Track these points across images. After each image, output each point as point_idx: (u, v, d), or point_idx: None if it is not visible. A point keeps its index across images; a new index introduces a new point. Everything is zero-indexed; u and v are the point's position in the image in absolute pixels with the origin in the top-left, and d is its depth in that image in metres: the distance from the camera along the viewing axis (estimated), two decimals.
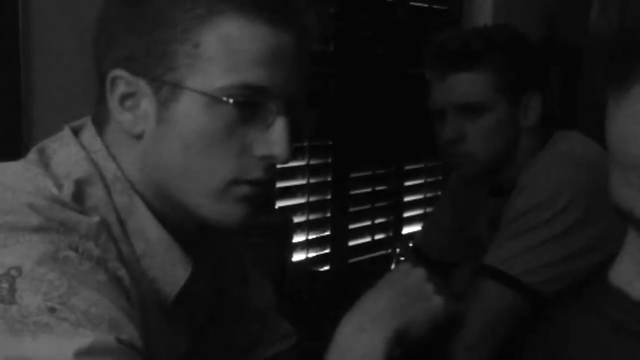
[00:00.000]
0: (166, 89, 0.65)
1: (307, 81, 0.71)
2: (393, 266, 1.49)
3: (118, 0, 0.68)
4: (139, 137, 0.67)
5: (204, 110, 0.65)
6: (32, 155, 0.67)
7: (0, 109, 1.16)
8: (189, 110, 0.65)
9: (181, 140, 0.66)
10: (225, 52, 0.65)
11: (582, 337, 0.55)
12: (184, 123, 0.65)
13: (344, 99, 1.91)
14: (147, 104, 0.66)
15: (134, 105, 0.67)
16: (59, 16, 1.22)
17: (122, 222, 0.66)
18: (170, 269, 0.69)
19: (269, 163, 0.68)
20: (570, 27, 2.39)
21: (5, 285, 0.54)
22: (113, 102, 0.67)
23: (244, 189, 0.68)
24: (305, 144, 1.82)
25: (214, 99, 0.64)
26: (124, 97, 0.67)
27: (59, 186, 0.64)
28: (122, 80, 0.66)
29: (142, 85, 0.66)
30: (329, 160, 1.92)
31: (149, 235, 0.68)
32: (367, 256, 2.05)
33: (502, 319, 1.08)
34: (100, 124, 0.69)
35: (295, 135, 0.68)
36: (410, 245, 1.53)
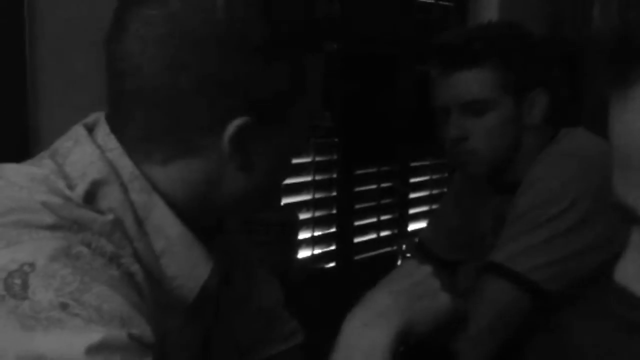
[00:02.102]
0: (279, 128, 0.68)
1: None
2: (399, 263, 1.49)
3: (245, 55, 0.64)
4: (245, 170, 0.68)
5: (302, 135, 0.72)
6: (45, 155, 0.67)
7: (6, 108, 1.17)
8: (293, 140, 0.70)
9: (279, 166, 0.71)
10: (318, 82, 0.70)
11: (587, 334, 0.56)
12: (285, 152, 0.71)
13: (349, 96, 1.91)
14: (260, 143, 0.67)
15: (247, 146, 0.66)
16: (65, 14, 1.22)
17: (139, 221, 0.66)
18: (192, 265, 0.69)
19: None
20: (576, 24, 2.39)
21: (18, 281, 0.54)
22: (223, 142, 0.65)
23: None
24: (311, 141, 1.82)
25: (311, 126, 0.72)
26: (242, 141, 0.65)
27: (72, 187, 0.64)
28: (247, 127, 0.65)
29: (262, 129, 0.67)
30: (335, 157, 1.92)
31: (169, 233, 0.67)
32: (372, 253, 2.05)
33: (507, 316, 1.08)
34: (177, 147, 0.67)
35: None
36: (416, 241, 1.53)
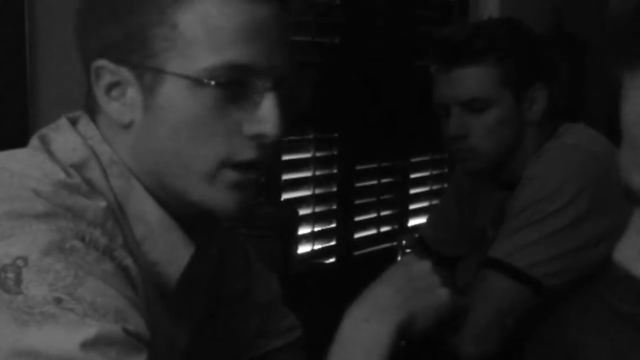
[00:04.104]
0: (149, 76, 0.64)
1: (292, 55, 0.70)
2: (399, 258, 1.49)
3: None
4: (128, 126, 0.67)
5: (188, 93, 0.64)
6: (35, 142, 0.67)
7: (7, 105, 1.17)
8: (174, 95, 0.64)
9: (168, 126, 0.65)
10: (205, 32, 0.63)
11: (587, 330, 0.56)
12: (169, 108, 0.65)
13: (350, 91, 1.90)
14: (132, 92, 0.66)
15: (120, 94, 0.66)
16: (65, 13, 1.22)
17: (120, 206, 0.66)
18: (172, 250, 0.69)
19: (260, 142, 0.67)
20: (578, 19, 2.38)
21: (11, 275, 0.54)
22: (99, 92, 0.66)
23: (235, 175, 0.67)
24: (311, 136, 1.82)
25: (197, 81, 0.64)
26: (110, 87, 0.66)
27: (68, 172, 0.64)
28: (105, 69, 0.66)
29: (125, 73, 0.65)
30: (335, 152, 1.91)
31: (149, 218, 0.67)
32: (372, 248, 2.05)
33: (508, 312, 1.08)
34: (92, 113, 0.69)
35: (286, 111, 0.67)
36: (416, 237, 1.53)
